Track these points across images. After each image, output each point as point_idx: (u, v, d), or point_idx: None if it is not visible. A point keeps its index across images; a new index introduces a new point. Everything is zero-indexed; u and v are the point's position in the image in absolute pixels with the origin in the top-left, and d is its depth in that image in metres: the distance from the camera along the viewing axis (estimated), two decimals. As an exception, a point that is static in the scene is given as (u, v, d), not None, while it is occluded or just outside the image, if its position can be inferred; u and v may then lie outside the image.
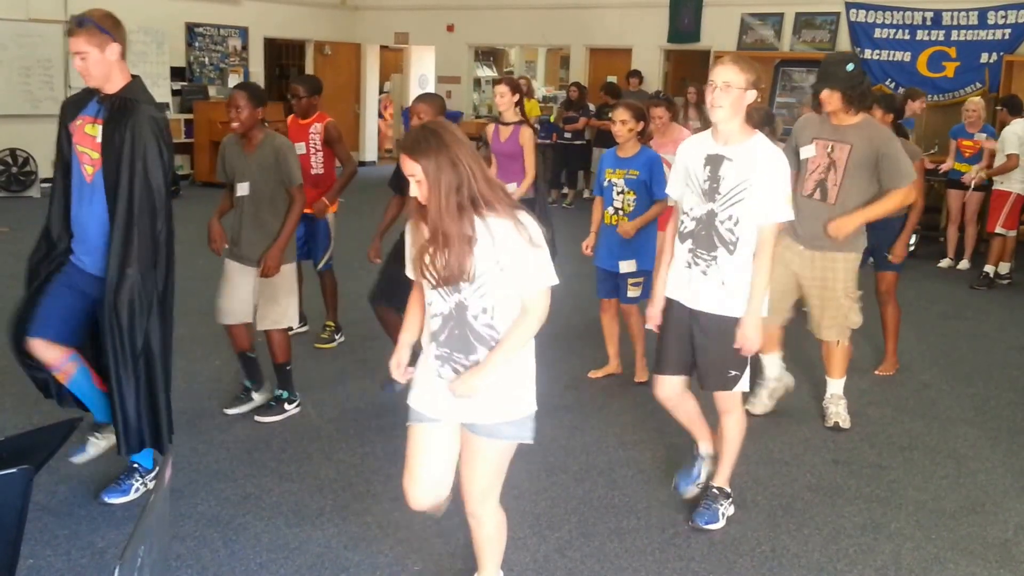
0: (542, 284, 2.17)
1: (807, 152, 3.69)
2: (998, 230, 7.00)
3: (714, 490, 3.10)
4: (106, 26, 2.81)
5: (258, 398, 3.94)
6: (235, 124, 3.66)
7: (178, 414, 3.74)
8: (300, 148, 4.67)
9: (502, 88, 4.97)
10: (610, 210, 4.31)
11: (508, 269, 2.13)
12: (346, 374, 4.47)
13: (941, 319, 6.04)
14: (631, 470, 3.49)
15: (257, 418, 3.75)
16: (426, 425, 2.30)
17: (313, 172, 4.69)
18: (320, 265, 4.86)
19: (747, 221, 2.78)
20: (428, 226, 2.12)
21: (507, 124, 4.98)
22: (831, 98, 3.57)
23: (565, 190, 10.78)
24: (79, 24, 2.78)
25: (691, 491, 3.16)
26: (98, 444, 3.15)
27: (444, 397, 2.25)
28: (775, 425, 4.00)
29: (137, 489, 3.09)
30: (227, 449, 3.55)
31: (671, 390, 3.04)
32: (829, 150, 3.64)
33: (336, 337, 4.96)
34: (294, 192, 3.74)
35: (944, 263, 7.65)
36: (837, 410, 3.97)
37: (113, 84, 2.85)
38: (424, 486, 2.34)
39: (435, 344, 2.24)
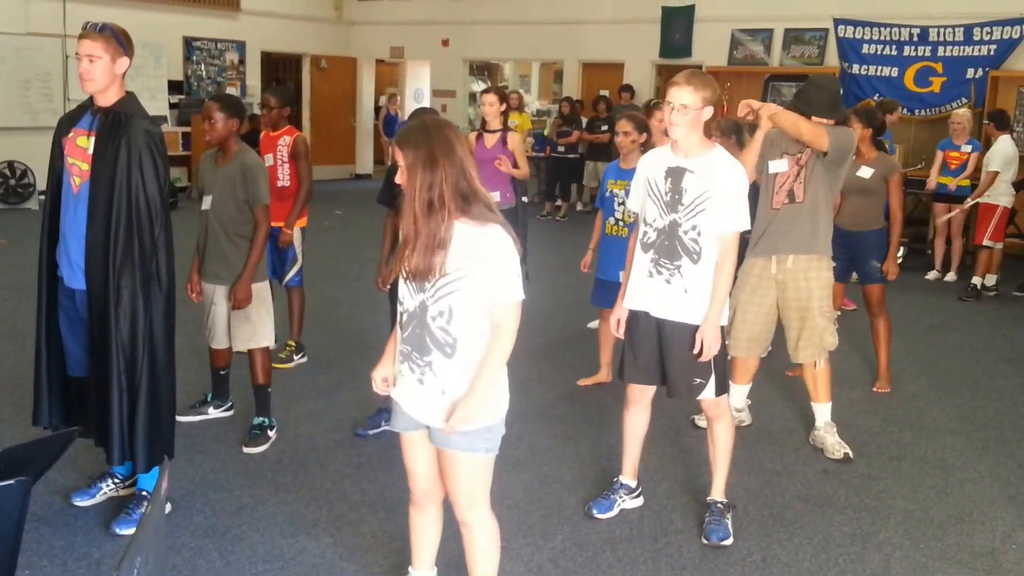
0: (511, 298, 2.14)
1: (778, 167, 3.68)
2: (985, 243, 7.08)
3: (719, 505, 3.12)
4: (123, 40, 2.86)
5: (213, 412, 3.95)
6: (208, 137, 3.57)
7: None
8: (268, 160, 4.58)
9: (491, 98, 5.03)
10: (611, 220, 4.35)
11: (474, 278, 2.12)
12: (342, 384, 4.48)
13: (929, 330, 6.09)
14: (623, 480, 3.52)
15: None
16: (408, 434, 2.33)
17: (279, 184, 4.57)
18: (286, 280, 4.66)
19: (709, 231, 2.86)
20: (403, 217, 2.14)
21: (492, 132, 5.04)
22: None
23: (559, 203, 10.86)
24: (99, 29, 2.81)
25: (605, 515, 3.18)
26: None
27: (409, 396, 2.27)
28: (766, 435, 4.04)
29: None
30: (222, 459, 3.57)
31: (639, 395, 3.13)
32: (799, 159, 3.67)
33: (295, 357, 4.71)
34: (258, 213, 3.57)
35: (931, 275, 7.71)
36: (835, 440, 3.84)
37: (109, 97, 2.88)
38: (418, 484, 2.39)
39: (401, 340, 2.26)
